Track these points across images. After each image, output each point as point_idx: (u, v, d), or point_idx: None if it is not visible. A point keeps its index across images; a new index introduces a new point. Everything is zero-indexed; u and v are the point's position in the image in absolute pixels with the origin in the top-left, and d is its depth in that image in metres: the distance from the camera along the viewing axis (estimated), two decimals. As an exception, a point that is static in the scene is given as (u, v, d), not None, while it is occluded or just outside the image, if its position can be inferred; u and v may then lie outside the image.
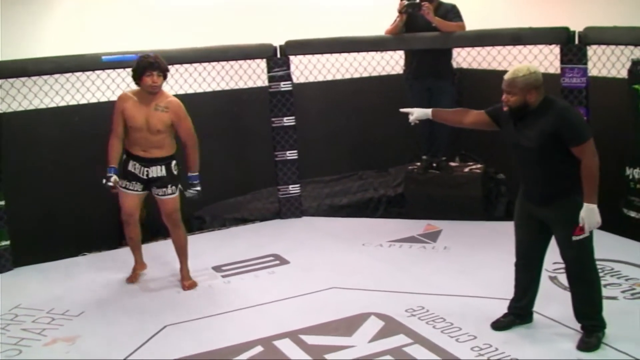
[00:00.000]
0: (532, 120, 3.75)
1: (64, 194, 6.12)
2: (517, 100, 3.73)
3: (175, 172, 4.97)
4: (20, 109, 5.76)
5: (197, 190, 5.00)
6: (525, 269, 4.07)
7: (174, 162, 4.97)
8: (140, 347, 4.17)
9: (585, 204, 3.66)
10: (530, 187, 3.91)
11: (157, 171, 4.90)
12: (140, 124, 4.79)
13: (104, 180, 4.83)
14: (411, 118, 4.35)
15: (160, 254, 5.67)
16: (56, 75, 5.75)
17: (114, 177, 4.82)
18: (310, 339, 4.13)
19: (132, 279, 5.25)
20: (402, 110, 4.44)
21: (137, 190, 4.96)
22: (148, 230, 6.10)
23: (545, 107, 3.73)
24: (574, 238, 3.74)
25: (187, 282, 5.09)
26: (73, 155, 6.07)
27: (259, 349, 4.05)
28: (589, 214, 3.66)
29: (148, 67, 4.69)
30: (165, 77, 4.84)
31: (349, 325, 4.27)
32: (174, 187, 4.96)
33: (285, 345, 4.07)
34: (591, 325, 3.87)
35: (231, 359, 3.95)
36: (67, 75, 5.79)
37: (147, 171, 4.90)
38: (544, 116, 3.71)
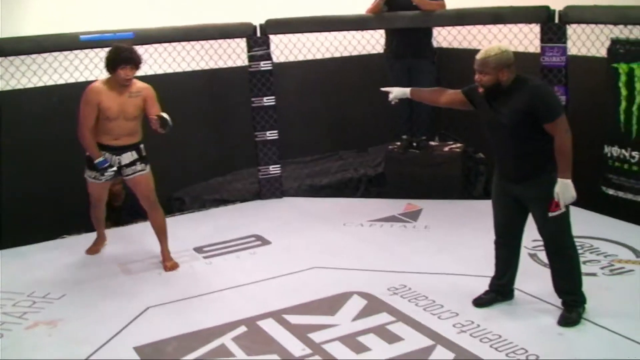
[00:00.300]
0: (505, 99, 3.78)
1: (43, 176, 6.06)
2: (490, 79, 3.76)
3: (144, 154, 5.02)
4: (-2, 89, 5.69)
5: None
6: (505, 246, 4.11)
7: (142, 145, 5.02)
8: (123, 329, 4.16)
9: (559, 179, 3.70)
10: (505, 165, 3.94)
11: (129, 157, 4.95)
12: (116, 113, 4.82)
13: (98, 175, 4.88)
14: (390, 96, 4.43)
15: (140, 236, 5.65)
16: (34, 55, 5.67)
17: (113, 168, 4.88)
18: (294, 319, 4.14)
19: (93, 251, 5.38)
20: (382, 89, 4.48)
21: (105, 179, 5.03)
22: (127, 213, 6.09)
23: (518, 86, 3.77)
24: (550, 214, 3.79)
25: (169, 262, 5.08)
26: (52, 136, 6.01)
27: (242, 329, 4.05)
28: (564, 189, 3.70)
29: (123, 62, 4.72)
30: (138, 68, 4.86)
31: (331, 305, 4.29)
32: (143, 164, 4.99)
33: (269, 325, 4.08)
34: (572, 300, 3.92)
35: (215, 339, 3.95)
36: (45, 55, 5.71)
37: (119, 159, 4.94)
38: (517, 94, 3.74)
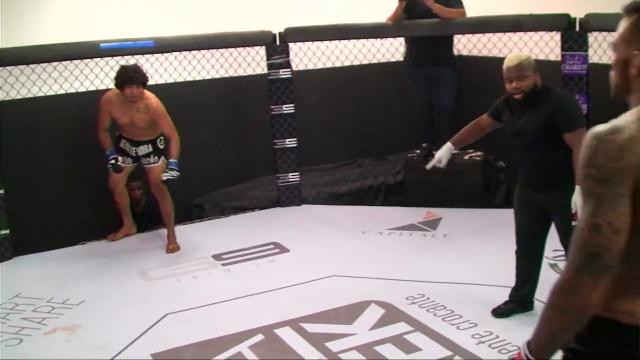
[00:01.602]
0: (531, 107, 3.77)
1: (63, 182, 6.10)
2: (529, 83, 3.75)
3: (160, 147, 5.62)
4: (19, 97, 5.73)
5: (175, 174, 5.37)
6: (526, 256, 4.07)
7: (159, 139, 5.61)
8: (140, 335, 4.17)
9: (577, 187, 3.61)
10: (528, 174, 3.92)
11: (145, 149, 5.58)
12: (126, 122, 5.46)
13: (109, 165, 5.46)
14: (442, 163, 4.28)
15: (159, 242, 5.70)
16: (55, 63, 5.73)
17: (120, 158, 5.50)
18: (311, 327, 4.13)
19: (113, 237, 5.83)
20: (428, 167, 4.37)
21: (126, 164, 5.64)
22: (147, 219, 6.12)
23: (544, 94, 3.76)
24: (574, 223, 3.74)
25: (171, 245, 5.53)
26: (72, 143, 6.05)
27: (260, 337, 4.05)
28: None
29: (128, 82, 5.25)
30: (144, 86, 5.36)
31: (349, 313, 4.27)
32: (156, 157, 5.60)
33: (286, 333, 4.07)
34: (592, 312, 3.86)
35: (232, 347, 3.95)
36: (66, 63, 5.77)
37: (135, 150, 5.59)
38: (543, 103, 3.74)
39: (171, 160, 5.39)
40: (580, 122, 3.70)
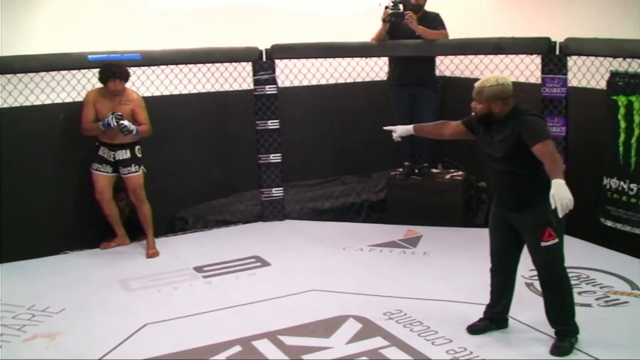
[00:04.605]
0: (500, 129, 3.86)
1: (48, 191, 6.11)
2: (482, 108, 3.85)
3: (138, 155, 5.76)
4: (5, 105, 5.77)
5: (127, 123, 5.51)
6: (500, 274, 4.14)
7: (137, 147, 5.75)
8: (119, 344, 4.20)
9: (553, 181, 3.50)
10: (501, 194, 4.00)
11: (123, 154, 5.69)
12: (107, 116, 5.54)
13: (111, 122, 5.47)
14: (394, 135, 4.48)
15: (141, 253, 5.73)
16: (42, 73, 5.78)
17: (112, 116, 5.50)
18: (289, 340, 4.17)
19: (106, 246, 5.91)
20: (385, 128, 4.55)
21: (107, 172, 5.73)
22: (129, 230, 6.14)
23: (513, 117, 3.82)
24: (543, 244, 3.81)
25: (150, 250, 5.72)
26: (57, 153, 6.08)
27: (237, 348, 4.09)
28: (559, 188, 3.46)
29: (111, 76, 5.52)
30: (126, 81, 5.61)
31: (327, 327, 4.32)
32: (137, 167, 5.74)
33: (264, 346, 4.11)
34: (564, 330, 3.94)
35: (210, 358, 3.99)
36: (53, 73, 5.82)
37: (113, 154, 5.68)
38: (510, 124, 3.80)
39: (135, 126, 5.56)
40: (545, 135, 3.74)
